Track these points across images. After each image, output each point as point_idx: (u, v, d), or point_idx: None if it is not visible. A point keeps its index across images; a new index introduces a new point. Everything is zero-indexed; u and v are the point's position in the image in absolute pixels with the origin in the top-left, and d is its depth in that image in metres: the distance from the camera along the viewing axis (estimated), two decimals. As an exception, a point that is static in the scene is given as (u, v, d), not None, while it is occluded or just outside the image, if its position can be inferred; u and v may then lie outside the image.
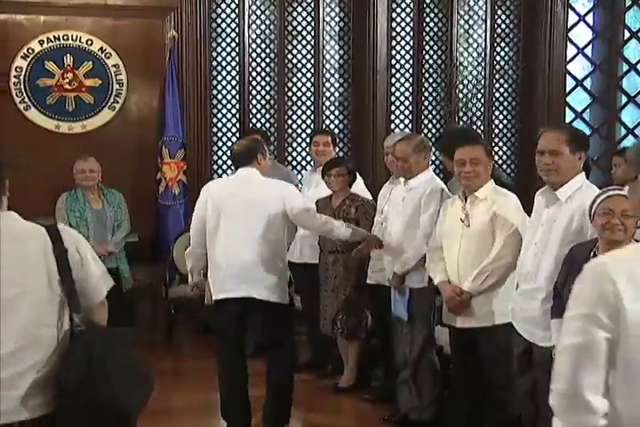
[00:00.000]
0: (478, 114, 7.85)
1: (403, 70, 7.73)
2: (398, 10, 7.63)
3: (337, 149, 6.04)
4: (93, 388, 2.34)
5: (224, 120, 7.52)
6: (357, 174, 5.59)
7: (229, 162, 7.50)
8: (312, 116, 7.66)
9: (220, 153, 7.54)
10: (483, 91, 7.86)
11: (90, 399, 2.32)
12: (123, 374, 2.41)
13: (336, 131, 7.62)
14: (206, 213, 4.57)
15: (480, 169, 4.12)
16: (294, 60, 7.58)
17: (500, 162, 7.88)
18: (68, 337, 2.42)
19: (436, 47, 7.78)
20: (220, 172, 7.52)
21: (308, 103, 7.64)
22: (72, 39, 6.99)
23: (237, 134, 7.48)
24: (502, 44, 7.91)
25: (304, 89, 7.63)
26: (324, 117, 7.68)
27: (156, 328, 6.61)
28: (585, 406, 1.57)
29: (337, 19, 7.60)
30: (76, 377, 2.33)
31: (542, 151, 3.55)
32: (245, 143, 4.92)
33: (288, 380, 4.68)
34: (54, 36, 6.95)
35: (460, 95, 7.77)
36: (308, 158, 7.50)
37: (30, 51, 6.93)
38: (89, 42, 7.02)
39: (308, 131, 7.57)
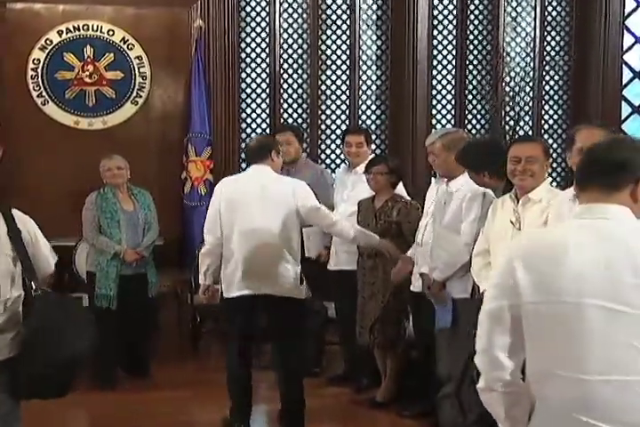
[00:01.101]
0: (526, 109, 7.78)
1: (445, 61, 7.70)
2: (440, -4, 7.65)
3: (372, 148, 5.96)
4: (46, 338, 3.11)
5: (253, 115, 7.53)
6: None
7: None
8: (347, 112, 7.65)
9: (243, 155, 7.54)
10: (531, 84, 7.80)
11: (42, 348, 3.10)
12: (69, 328, 3.19)
13: (372, 127, 7.63)
14: (220, 210, 4.78)
15: (535, 168, 4.05)
16: (328, 52, 7.57)
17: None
18: (20, 301, 3.18)
19: (480, 36, 7.74)
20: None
21: (343, 97, 7.64)
22: (92, 29, 7.03)
23: (268, 131, 7.48)
24: (553, 33, 7.85)
25: (339, 82, 7.62)
26: (360, 113, 7.66)
27: (180, 337, 6.62)
28: (495, 362, 2.05)
29: (374, 6, 7.59)
30: (32, 330, 3.11)
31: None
32: (260, 139, 5.18)
33: (299, 383, 4.84)
34: (74, 27, 7.00)
35: (507, 88, 7.71)
36: (343, 156, 7.46)
37: (48, 42, 6.98)
38: (110, 32, 7.06)
39: (343, 127, 7.56)
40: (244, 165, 7.44)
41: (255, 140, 5.21)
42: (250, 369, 4.91)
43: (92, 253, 5.84)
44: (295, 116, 7.58)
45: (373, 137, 7.29)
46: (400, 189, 5.60)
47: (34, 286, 3.15)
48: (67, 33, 7.00)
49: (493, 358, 2.06)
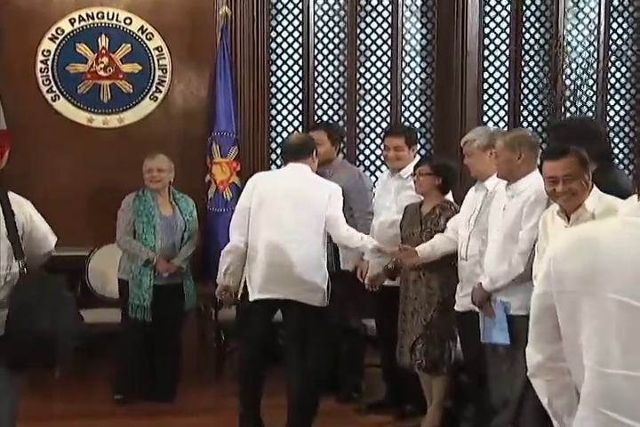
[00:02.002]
0: (589, 104, 7.70)
1: (498, 52, 7.64)
2: (493, -21, 7.60)
3: (416, 149, 5.80)
4: (21, 315, 3.70)
5: (284, 112, 7.49)
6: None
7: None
8: (388, 108, 7.61)
9: (279, 151, 7.42)
10: (595, 76, 7.72)
11: (25, 327, 3.68)
12: (46, 305, 3.77)
13: (416, 125, 7.57)
14: (251, 206, 4.98)
15: (575, 186, 4.05)
16: (367, 41, 7.52)
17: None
18: (16, 278, 3.79)
19: (538, 24, 7.67)
20: (279, 173, 7.41)
21: (384, 92, 7.58)
22: (108, 17, 6.99)
23: (300, 129, 7.43)
24: (620, 20, 7.77)
25: (379, 75, 7.56)
26: (403, 109, 7.61)
27: (202, 357, 6.54)
28: (536, 347, 2.25)
29: (419, -9, 7.59)
30: (16, 309, 3.70)
31: None
32: (302, 137, 5.41)
33: (312, 391, 5.13)
34: (87, 15, 6.97)
35: (568, 82, 7.62)
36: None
37: (59, 31, 6.94)
38: (127, 21, 7.02)
39: (384, 124, 7.53)
40: (273, 167, 7.39)
41: (296, 137, 5.44)
42: (262, 379, 5.11)
43: (125, 258, 5.88)
44: (330, 112, 7.54)
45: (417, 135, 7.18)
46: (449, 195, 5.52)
47: (20, 266, 3.78)
48: (79, 21, 6.97)
49: (535, 343, 2.26)
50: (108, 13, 6.98)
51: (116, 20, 6.99)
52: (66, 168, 6.93)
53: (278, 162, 7.42)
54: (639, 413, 2.01)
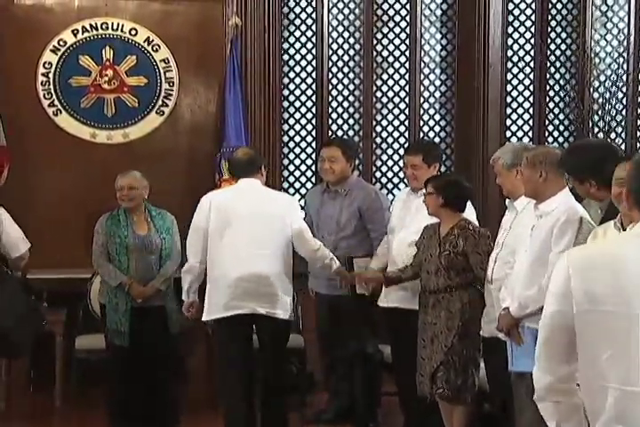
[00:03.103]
0: (619, 118, 7.65)
1: (522, 64, 7.63)
2: (517, -13, 7.58)
3: (437, 167, 5.80)
4: None
5: (297, 127, 7.49)
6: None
7: (303, 179, 7.47)
8: (406, 123, 7.59)
9: (291, 168, 7.48)
10: (625, 89, 7.67)
11: None
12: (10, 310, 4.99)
13: (436, 140, 7.53)
14: (208, 225, 5.27)
15: None
16: (384, 53, 7.52)
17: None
18: None
19: (564, 34, 7.65)
20: (291, 191, 7.45)
21: (402, 106, 7.57)
22: (112, 28, 7.04)
23: (314, 144, 7.42)
24: None
25: (396, 88, 7.55)
26: (422, 124, 7.60)
27: (210, 383, 6.46)
28: (546, 368, 2.34)
29: None
30: None
31: None
32: (248, 151, 5.70)
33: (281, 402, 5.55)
34: (91, 25, 7.01)
35: (595, 95, 7.61)
36: (402, 174, 7.36)
37: (62, 43, 6.98)
38: (132, 31, 7.06)
39: (402, 140, 7.51)
40: (286, 185, 7.41)
41: (243, 152, 5.68)
42: (254, 404, 5.42)
43: (103, 282, 5.83)
44: (345, 127, 7.53)
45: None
46: (469, 213, 5.50)
47: None
48: (83, 32, 7.01)
49: (545, 365, 2.34)
50: (112, 24, 7.02)
51: (121, 30, 7.03)
52: (68, 186, 6.94)
53: (291, 179, 7.47)
54: None
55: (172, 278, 5.95)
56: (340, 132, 7.50)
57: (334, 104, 7.51)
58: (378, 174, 7.59)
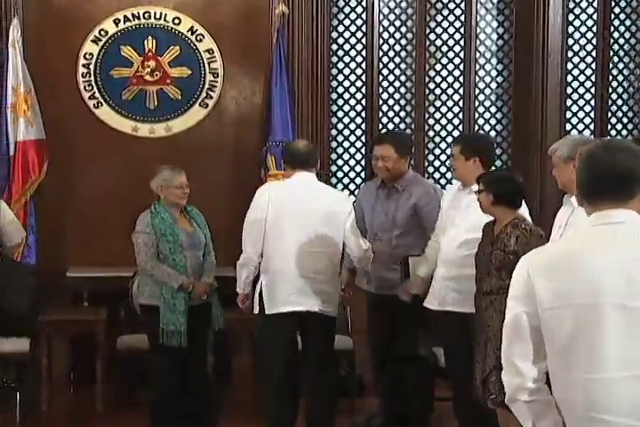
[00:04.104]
0: None
1: (583, 53, 7.60)
2: (577, -28, 7.52)
3: (474, 160, 5.63)
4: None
5: (346, 120, 7.52)
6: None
7: (352, 174, 7.51)
8: (460, 115, 7.61)
9: (340, 162, 7.53)
10: None
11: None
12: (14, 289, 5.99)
13: (492, 133, 7.55)
14: (267, 219, 5.36)
15: None
16: (438, 42, 7.54)
17: None
18: None
19: (628, 21, 7.62)
20: (340, 186, 7.49)
21: (456, 97, 7.59)
22: (155, 18, 7.12)
23: (363, 138, 7.46)
24: None
25: (450, 79, 7.58)
26: (477, 116, 7.60)
27: (254, 386, 6.46)
28: (515, 370, 2.49)
29: (495, -14, 7.55)
30: None
31: None
32: (308, 144, 5.77)
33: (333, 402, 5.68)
34: (133, 15, 7.10)
35: None
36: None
37: (103, 33, 7.08)
38: (176, 21, 7.13)
39: (456, 133, 7.50)
40: (334, 180, 7.44)
41: (303, 144, 5.77)
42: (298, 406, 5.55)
43: (151, 282, 5.82)
44: (396, 120, 7.55)
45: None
46: (523, 211, 5.48)
47: None
48: (124, 22, 7.10)
49: (513, 367, 2.50)
50: (155, 13, 7.09)
51: (164, 20, 7.10)
52: (109, 181, 7.04)
53: (340, 174, 7.50)
54: (633, 410, 2.33)
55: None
56: (390, 126, 7.52)
57: (385, 96, 7.53)
58: (430, 169, 7.60)
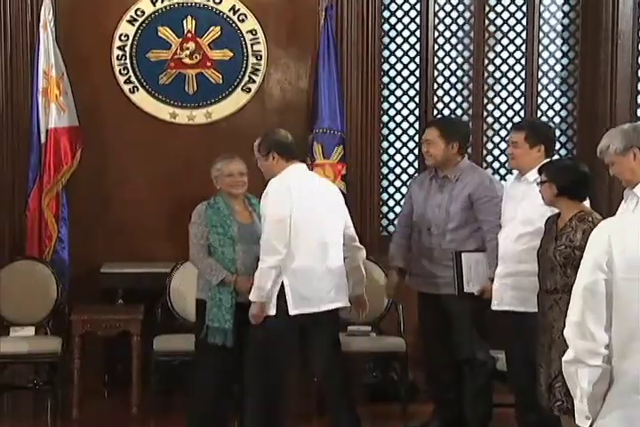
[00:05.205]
0: None
1: (656, 32, 7.49)
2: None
3: (539, 148, 5.65)
4: None
5: (398, 106, 7.51)
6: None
7: (404, 163, 7.50)
8: (522, 100, 7.58)
9: (391, 151, 7.50)
10: None
11: None
12: None
13: (556, 120, 7.51)
14: (293, 215, 5.41)
15: None
16: (498, 21, 7.51)
17: None
18: None
19: None
20: (391, 177, 7.48)
21: (517, 81, 7.55)
22: (194, -4, 7.12)
23: (417, 125, 7.43)
24: None
25: (511, 61, 7.54)
26: (539, 101, 7.57)
27: (301, 387, 6.52)
28: (589, 334, 2.70)
29: (559, -40, 7.49)
30: None
31: None
32: (287, 133, 5.81)
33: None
34: (171, -7, 7.10)
35: None
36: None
37: (139, 13, 7.10)
38: (217, 0, 7.13)
39: (517, 120, 7.45)
40: (385, 170, 7.42)
41: (284, 133, 5.80)
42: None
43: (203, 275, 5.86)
44: (453, 106, 7.53)
45: (557, 133, 7.17)
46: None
47: None
48: (162, 1, 7.12)
49: (586, 331, 2.70)
50: (194, -9, 7.09)
51: (204, -2, 7.10)
52: (145, 170, 7.07)
53: (391, 164, 7.48)
54: None
55: None
56: (446, 112, 7.50)
57: (440, 80, 7.51)
58: (489, 158, 7.58)
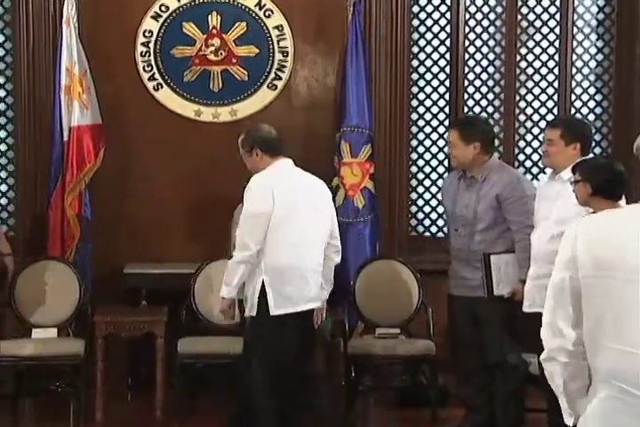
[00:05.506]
0: None
1: (695, 27, 7.43)
2: None
3: (575, 146, 5.61)
4: None
5: (428, 103, 7.49)
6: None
7: (434, 162, 7.48)
8: (555, 97, 7.55)
9: (420, 149, 7.49)
10: None
11: None
12: None
13: (591, 117, 7.47)
14: (273, 211, 5.38)
15: None
16: (530, 16, 7.47)
17: None
18: None
19: None
20: (420, 176, 7.47)
21: (550, 78, 7.52)
22: (220, -9, 7.11)
23: (446, 123, 7.40)
24: None
25: (544, 57, 7.51)
26: (573, 98, 7.54)
27: (329, 396, 6.47)
28: (558, 331, 2.77)
29: (593, -48, 7.46)
30: None
31: None
32: (271, 128, 5.83)
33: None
34: (196, -12, 7.10)
35: None
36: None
37: (164, 8, 7.11)
38: (242, -6, 7.12)
39: (550, 117, 7.42)
40: (414, 169, 7.40)
41: (268, 128, 5.81)
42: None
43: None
44: (484, 103, 7.51)
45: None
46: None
47: None
48: (187, -4, 7.11)
49: (555, 328, 2.78)
50: (219, -13, 7.09)
51: (230, -7, 7.10)
52: (169, 168, 7.08)
53: (420, 162, 7.45)
54: None
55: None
56: (476, 109, 7.48)
57: (471, 76, 7.49)
58: (521, 157, 7.55)
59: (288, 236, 5.41)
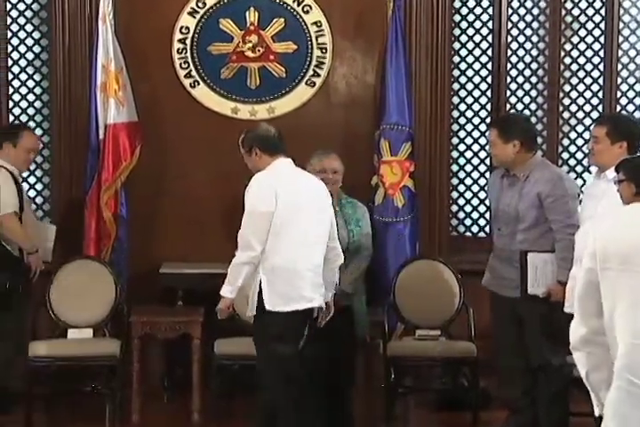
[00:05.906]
0: None
1: None
2: None
3: (621, 144, 5.54)
4: None
5: (469, 100, 7.48)
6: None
7: (475, 160, 7.47)
8: (600, 94, 7.49)
9: (462, 147, 7.47)
10: None
11: None
12: None
13: (637, 115, 7.41)
14: (276, 211, 5.37)
15: None
16: (575, 11, 7.42)
17: None
18: None
19: None
20: (462, 175, 7.46)
21: (595, 74, 7.47)
22: (258, -13, 7.12)
23: (488, 120, 7.37)
24: None
25: (589, 53, 7.46)
26: (619, 95, 7.49)
27: (369, 399, 6.58)
28: (583, 321, 2.99)
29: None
30: None
31: None
32: (270, 126, 5.80)
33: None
34: (233, -16, 7.11)
35: None
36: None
37: (201, 5, 7.14)
38: (281, -10, 7.14)
39: (595, 115, 7.38)
40: (455, 167, 7.40)
41: (267, 127, 5.79)
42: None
43: None
44: (527, 100, 7.47)
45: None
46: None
47: None
48: (224, -8, 7.13)
49: (579, 318, 2.97)
50: (257, -18, 7.09)
51: (268, -11, 7.10)
52: (206, 166, 7.12)
53: (461, 161, 7.45)
54: None
55: (363, 276, 6.09)
56: (519, 106, 7.44)
57: (513, 73, 7.46)
58: (565, 155, 7.50)
59: (291, 236, 5.40)
